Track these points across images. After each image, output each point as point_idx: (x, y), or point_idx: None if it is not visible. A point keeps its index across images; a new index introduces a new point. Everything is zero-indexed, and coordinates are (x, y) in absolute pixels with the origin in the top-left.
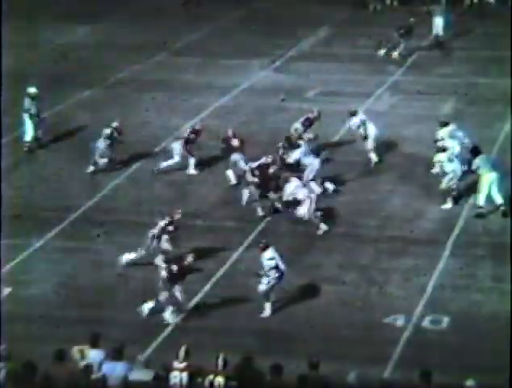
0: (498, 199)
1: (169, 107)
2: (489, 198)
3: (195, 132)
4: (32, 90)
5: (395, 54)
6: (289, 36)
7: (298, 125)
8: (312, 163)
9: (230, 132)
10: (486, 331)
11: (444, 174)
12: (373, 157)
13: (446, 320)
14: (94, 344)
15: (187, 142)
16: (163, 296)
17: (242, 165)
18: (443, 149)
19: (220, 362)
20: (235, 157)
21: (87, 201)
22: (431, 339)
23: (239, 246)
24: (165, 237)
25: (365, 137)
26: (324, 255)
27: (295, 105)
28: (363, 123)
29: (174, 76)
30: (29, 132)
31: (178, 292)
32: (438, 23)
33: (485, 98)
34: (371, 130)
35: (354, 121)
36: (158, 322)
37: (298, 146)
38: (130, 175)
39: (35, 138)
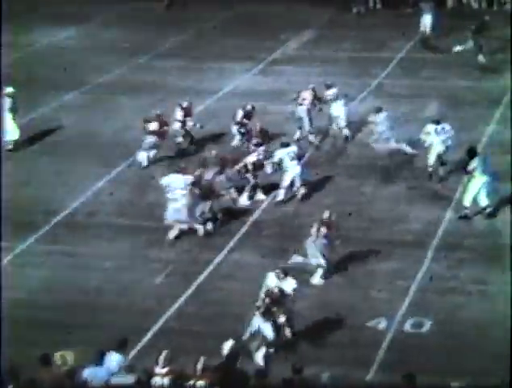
0: (484, 201)
1: (151, 110)
2: (475, 200)
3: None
4: (9, 89)
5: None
6: (273, 39)
7: None
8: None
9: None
10: (469, 334)
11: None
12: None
13: (428, 323)
14: (120, 348)
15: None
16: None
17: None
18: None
19: (199, 366)
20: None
21: (70, 204)
22: (414, 342)
23: (222, 249)
24: None
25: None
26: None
27: (278, 108)
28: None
29: (158, 79)
30: (13, 132)
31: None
32: (427, 20)
33: (468, 100)
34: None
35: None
36: (140, 325)
37: (287, 145)
38: (113, 178)
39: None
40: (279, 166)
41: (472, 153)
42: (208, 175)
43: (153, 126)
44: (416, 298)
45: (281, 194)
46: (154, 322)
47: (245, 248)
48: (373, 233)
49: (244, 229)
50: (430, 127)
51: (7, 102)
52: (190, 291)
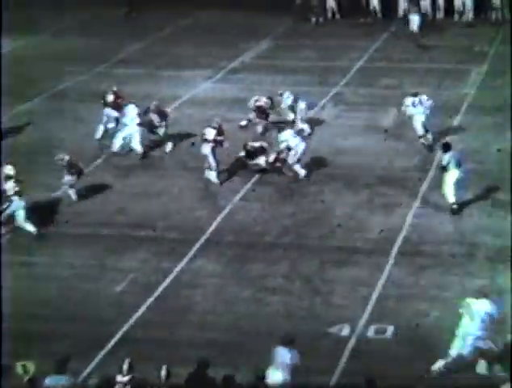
0: (452, 197)
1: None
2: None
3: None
4: None
5: None
6: (232, 48)
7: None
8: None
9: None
10: (431, 340)
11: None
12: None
13: (390, 329)
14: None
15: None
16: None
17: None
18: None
19: (163, 373)
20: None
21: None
22: (376, 348)
23: (183, 258)
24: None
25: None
26: (269, 266)
27: (238, 116)
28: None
29: (117, 87)
30: None
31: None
32: (414, 20)
33: None
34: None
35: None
36: (101, 334)
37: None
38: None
39: None
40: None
41: (446, 147)
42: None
43: (110, 98)
44: (378, 305)
45: (301, 171)
46: (116, 331)
47: (206, 256)
48: (333, 240)
49: (204, 238)
50: (408, 100)
51: None
52: (151, 299)
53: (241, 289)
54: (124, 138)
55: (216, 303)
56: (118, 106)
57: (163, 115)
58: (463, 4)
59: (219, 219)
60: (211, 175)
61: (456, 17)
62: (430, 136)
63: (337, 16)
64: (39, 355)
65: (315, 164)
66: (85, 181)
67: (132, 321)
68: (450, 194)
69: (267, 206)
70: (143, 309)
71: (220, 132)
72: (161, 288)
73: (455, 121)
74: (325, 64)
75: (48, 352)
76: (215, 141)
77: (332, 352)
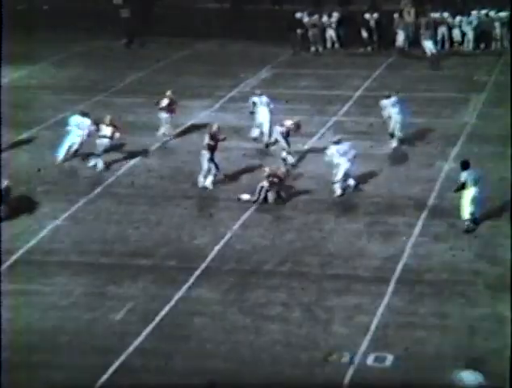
0: (466, 215)
1: (110, 147)
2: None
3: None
4: None
5: None
6: (232, 77)
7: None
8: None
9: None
10: (430, 369)
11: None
12: None
13: (390, 358)
14: None
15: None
16: None
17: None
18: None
19: None
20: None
21: (27, 243)
22: (375, 376)
23: (182, 286)
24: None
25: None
26: (268, 294)
27: (236, 144)
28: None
29: (116, 116)
30: None
31: None
32: (401, 37)
33: (425, 138)
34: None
35: None
36: (100, 363)
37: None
38: (70, 215)
39: None
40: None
41: (464, 165)
42: None
43: (164, 102)
44: (377, 333)
45: (337, 189)
46: (114, 359)
47: (205, 284)
48: (332, 268)
49: (203, 265)
50: (385, 102)
51: None
52: (150, 328)
53: (240, 317)
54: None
55: (215, 331)
56: (172, 111)
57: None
58: (464, 35)
59: (218, 247)
60: (208, 180)
61: (456, 47)
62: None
63: (337, 46)
64: (39, 385)
65: (314, 192)
66: (84, 209)
67: (131, 349)
68: (466, 211)
69: (266, 234)
70: (142, 337)
71: (213, 137)
72: (160, 317)
73: (455, 150)
74: (324, 93)
75: (48, 381)
76: (208, 145)
77: (331, 381)
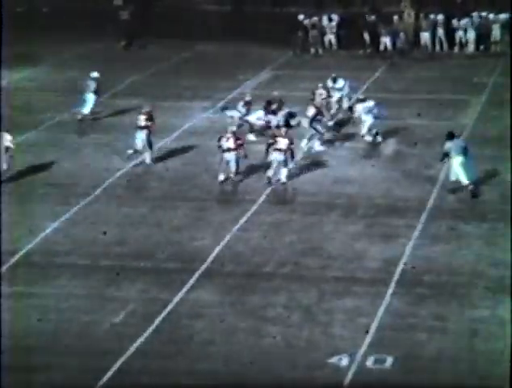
0: (464, 181)
1: (110, 148)
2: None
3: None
4: (94, 74)
5: None
6: (231, 79)
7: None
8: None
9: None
10: (430, 371)
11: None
12: None
13: (390, 360)
14: None
15: None
16: None
17: None
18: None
19: None
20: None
21: (27, 245)
22: (375, 378)
23: (182, 288)
24: None
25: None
26: (268, 296)
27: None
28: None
29: (115, 118)
30: (87, 107)
31: None
32: (386, 40)
33: (425, 138)
34: None
35: None
36: (100, 365)
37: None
38: (70, 217)
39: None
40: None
41: (449, 135)
42: None
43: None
44: (377, 335)
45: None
46: (114, 362)
47: (205, 286)
48: (332, 270)
49: (203, 267)
50: (359, 106)
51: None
52: (150, 330)
53: (240, 320)
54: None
55: (215, 334)
56: (273, 112)
57: None
58: (465, 37)
59: (218, 249)
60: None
61: (457, 49)
62: (378, 137)
63: (335, 47)
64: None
65: (313, 194)
66: (83, 211)
67: (130, 352)
68: (462, 177)
69: (266, 236)
70: (142, 339)
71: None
72: (160, 319)
73: None
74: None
75: (48, 384)
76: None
77: (331, 383)
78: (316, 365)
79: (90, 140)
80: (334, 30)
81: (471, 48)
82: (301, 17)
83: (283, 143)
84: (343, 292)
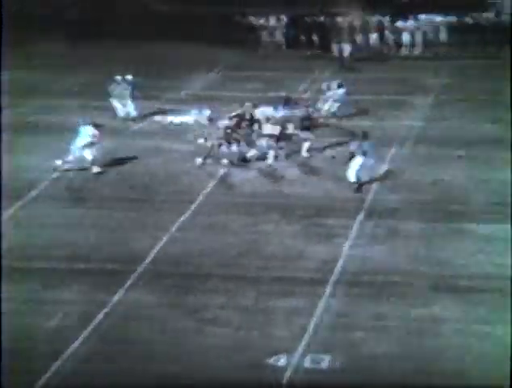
0: (353, 178)
1: (51, 149)
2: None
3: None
4: (129, 77)
5: None
6: (179, 79)
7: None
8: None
9: None
10: (369, 370)
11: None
12: None
13: (327, 359)
14: None
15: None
16: None
17: None
18: None
19: None
20: None
21: None
22: (313, 378)
23: (119, 289)
24: None
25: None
26: (205, 297)
27: (181, 147)
28: None
29: (58, 118)
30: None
31: None
32: (346, 48)
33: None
34: None
35: None
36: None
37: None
38: (7, 219)
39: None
40: None
41: (363, 136)
42: None
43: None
44: (315, 335)
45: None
46: (50, 365)
47: (143, 288)
48: (270, 271)
49: (140, 269)
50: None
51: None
52: (87, 332)
53: (178, 320)
54: None
55: (154, 334)
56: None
57: None
58: (412, 38)
59: (155, 250)
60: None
61: (404, 50)
62: None
63: (284, 48)
64: None
65: (252, 195)
66: (20, 213)
67: (67, 354)
68: (351, 175)
69: (204, 237)
70: (80, 340)
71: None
72: (97, 321)
73: (400, 152)
74: (272, 95)
75: None
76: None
77: (269, 383)
78: (254, 365)
79: (31, 141)
80: (284, 29)
81: (418, 49)
82: (251, 18)
83: (274, 129)
84: (281, 292)
